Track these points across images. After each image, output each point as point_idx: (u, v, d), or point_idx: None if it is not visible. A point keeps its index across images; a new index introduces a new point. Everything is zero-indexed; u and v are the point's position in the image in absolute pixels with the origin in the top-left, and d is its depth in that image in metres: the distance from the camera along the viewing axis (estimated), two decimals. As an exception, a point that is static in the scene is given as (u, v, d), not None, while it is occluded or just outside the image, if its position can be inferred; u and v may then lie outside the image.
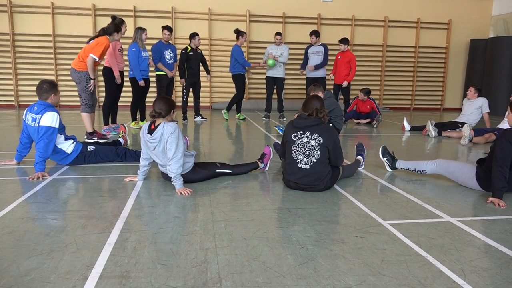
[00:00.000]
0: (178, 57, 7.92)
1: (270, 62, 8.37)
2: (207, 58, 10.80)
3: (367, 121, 8.27)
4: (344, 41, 8.41)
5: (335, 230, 2.55)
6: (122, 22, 6.21)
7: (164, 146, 3.28)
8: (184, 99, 8.01)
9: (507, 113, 3.38)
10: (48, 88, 3.89)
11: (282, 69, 8.62)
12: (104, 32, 5.53)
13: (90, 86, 5.40)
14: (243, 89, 8.49)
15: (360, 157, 4.19)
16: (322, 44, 8.54)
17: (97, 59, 5.34)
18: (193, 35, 7.85)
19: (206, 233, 2.46)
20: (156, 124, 3.34)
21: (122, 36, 6.13)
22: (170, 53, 7.42)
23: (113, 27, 5.57)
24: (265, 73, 9.02)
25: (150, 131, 3.35)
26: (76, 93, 10.47)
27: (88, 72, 5.33)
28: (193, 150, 3.71)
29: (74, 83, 10.10)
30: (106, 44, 5.39)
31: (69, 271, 1.96)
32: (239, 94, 8.45)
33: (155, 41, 7.69)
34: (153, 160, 3.55)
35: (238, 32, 8.27)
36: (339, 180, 3.61)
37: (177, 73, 7.86)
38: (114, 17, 6.18)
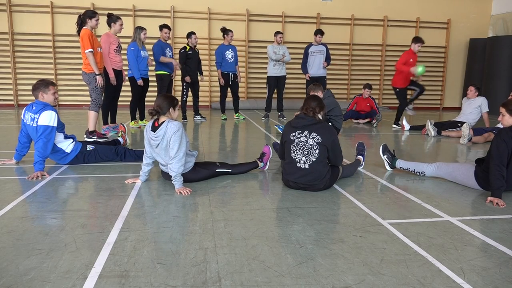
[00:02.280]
0: (176, 56, 7.93)
1: (420, 69, 7.12)
2: (206, 57, 10.82)
3: (366, 120, 8.28)
4: (422, 41, 7.52)
5: (335, 230, 2.55)
6: (118, 18, 6.20)
7: (167, 144, 3.28)
8: (184, 99, 8.01)
9: (500, 116, 3.38)
10: (37, 86, 3.91)
11: (285, 67, 8.64)
12: (80, 26, 5.52)
13: (98, 83, 5.48)
14: (224, 89, 8.37)
15: (360, 157, 4.18)
16: (322, 44, 8.53)
17: (92, 50, 5.37)
18: (189, 34, 7.86)
19: (205, 232, 2.46)
20: (160, 121, 3.33)
21: (121, 35, 6.11)
22: (169, 51, 7.43)
23: (87, 14, 5.50)
24: (265, 73, 9.02)
25: (154, 128, 3.34)
26: (76, 93, 10.53)
27: (94, 71, 5.44)
28: (195, 151, 3.71)
29: (73, 82, 10.03)
30: (87, 34, 5.38)
31: (68, 270, 1.96)
32: (221, 94, 8.45)
33: (154, 41, 7.69)
34: (156, 159, 3.55)
35: (224, 31, 8.21)
36: (339, 179, 3.61)
37: (178, 72, 7.85)
38: (110, 15, 6.20)
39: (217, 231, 2.48)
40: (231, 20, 11.02)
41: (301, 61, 8.75)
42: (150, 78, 7.23)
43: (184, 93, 7.98)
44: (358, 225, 2.63)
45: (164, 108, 3.32)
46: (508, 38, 11.12)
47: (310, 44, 8.55)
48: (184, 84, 7.94)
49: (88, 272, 1.95)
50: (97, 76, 5.44)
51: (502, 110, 3.33)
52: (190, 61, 7.82)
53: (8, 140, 5.59)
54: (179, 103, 3.46)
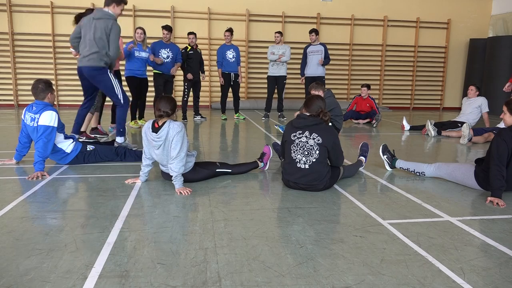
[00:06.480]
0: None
1: None
2: (206, 57, 10.81)
3: (366, 121, 8.27)
4: None
5: (335, 230, 2.55)
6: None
7: (168, 145, 3.28)
8: (185, 99, 8.03)
9: (502, 114, 3.39)
10: (44, 87, 3.90)
11: (284, 68, 8.63)
12: None
13: None
14: (225, 89, 8.38)
15: (362, 158, 4.17)
16: (321, 43, 8.53)
17: None
18: (187, 34, 7.91)
19: (205, 232, 2.46)
20: (160, 123, 3.33)
21: (121, 35, 6.06)
22: (167, 52, 7.41)
23: (85, 13, 5.52)
24: (265, 73, 9.03)
25: (155, 129, 3.34)
26: (76, 93, 10.52)
27: None
28: (194, 151, 3.71)
29: (73, 82, 9.96)
30: None
31: (68, 270, 1.96)
32: (222, 94, 8.46)
33: (154, 41, 7.70)
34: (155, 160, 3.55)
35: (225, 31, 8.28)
36: (339, 179, 3.61)
37: (179, 72, 7.86)
38: None
39: (217, 231, 2.48)
40: (231, 20, 11.04)
41: (300, 61, 8.76)
42: (149, 78, 7.23)
43: (185, 92, 8.00)
44: (358, 225, 2.63)
45: (171, 110, 3.33)
46: (508, 38, 11.12)
47: (309, 45, 8.56)
48: (186, 84, 7.96)
49: (88, 272, 1.95)
50: None
51: (504, 108, 3.34)
52: (191, 61, 7.85)
53: (8, 140, 5.59)
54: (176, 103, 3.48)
